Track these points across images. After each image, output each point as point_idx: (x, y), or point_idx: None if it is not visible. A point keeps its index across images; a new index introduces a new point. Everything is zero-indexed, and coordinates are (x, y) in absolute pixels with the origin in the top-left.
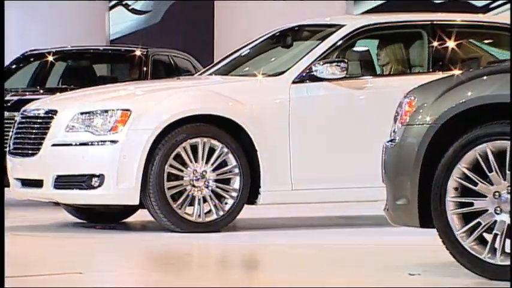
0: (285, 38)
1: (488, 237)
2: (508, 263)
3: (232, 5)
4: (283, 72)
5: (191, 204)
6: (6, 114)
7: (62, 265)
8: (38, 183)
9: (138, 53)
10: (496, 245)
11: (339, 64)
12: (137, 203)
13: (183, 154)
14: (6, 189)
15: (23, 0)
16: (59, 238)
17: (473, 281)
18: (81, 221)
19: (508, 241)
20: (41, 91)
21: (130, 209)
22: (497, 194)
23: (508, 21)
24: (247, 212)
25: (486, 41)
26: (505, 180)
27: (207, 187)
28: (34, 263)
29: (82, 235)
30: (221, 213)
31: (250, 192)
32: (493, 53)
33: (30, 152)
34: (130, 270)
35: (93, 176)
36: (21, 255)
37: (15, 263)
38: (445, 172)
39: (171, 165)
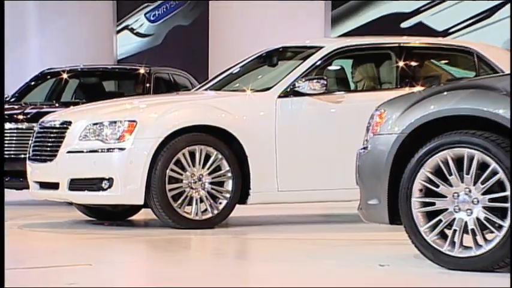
0: (271, 58)
1: (448, 232)
2: (465, 255)
3: (224, 29)
4: (269, 88)
5: (189, 203)
6: (26, 125)
7: (74, 257)
8: (54, 186)
9: (142, 71)
10: (455, 240)
11: (319, 81)
12: (142, 202)
13: (183, 160)
14: (25, 190)
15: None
16: (72, 234)
17: (435, 271)
18: (92, 218)
19: (465, 236)
20: (57, 105)
21: (135, 208)
22: (456, 194)
23: (464, 44)
24: (239, 211)
25: (445, 61)
26: (462, 182)
27: (203, 189)
28: (49, 256)
29: (92, 231)
30: (216, 211)
31: (241, 193)
32: (451, 71)
33: (47, 158)
34: (135, 261)
35: (103, 179)
36: (37, 249)
37: (32, 256)
38: (411, 175)
39: (171, 170)
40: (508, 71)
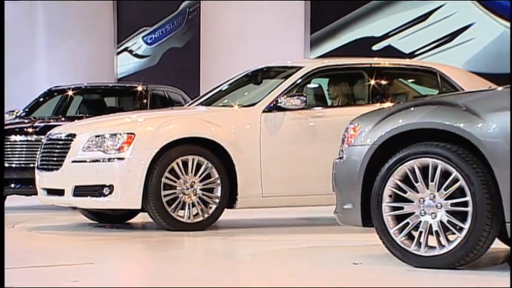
0: (256, 77)
1: (415, 234)
2: (430, 254)
3: (214, 51)
4: (255, 104)
5: (182, 208)
6: (35, 137)
7: (78, 257)
8: (60, 192)
9: (139, 88)
10: (421, 240)
11: (299, 97)
12: (139, 207)
13: (176, 168)
14: (34, 196)
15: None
16: (76, 235)
17: (403, 269)
18: (94, 221)
19: (430, 237)
20: (63, 119)
21: (134, 212)
22: (422, 199)
23: (428, 65)
24: (227, 215)
25: (411, 80)
26: (427, 189)
27: (195, 195)
28: (55, 255)
29: (94, 233)
30: (206, 215)
31: (229, 199)
32: (417, 89)
33: (54, 167)
34: (133, 260)
35: (105, 186)
36: (44, 249)
37: (40, 255)
38: (381, 183)
39: (166, 177)
40: (466, 89)
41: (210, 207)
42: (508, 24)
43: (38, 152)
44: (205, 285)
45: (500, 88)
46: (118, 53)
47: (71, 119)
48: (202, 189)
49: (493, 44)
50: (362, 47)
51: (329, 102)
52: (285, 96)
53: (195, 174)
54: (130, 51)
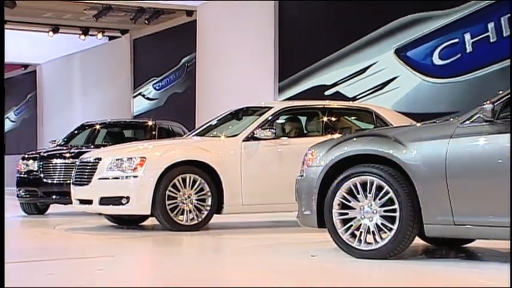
0: (237, 114)
1: (357, 233)
2: (368, 248)
3: (206, 94)
4: (237, 135)
5: (182, 214)
6: (71, 160)
7: (102, 251)
8: (89, 202)
9: (149, 123)
10: (361, 238)
11: (270, 130)
12: (149, 213)
13: (177, 184)
14: (69, 205)
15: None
16: (100, 235)
17: (348, 259)
18: (114, 224)
19: (368, 235)
20: (92, 146)
21: (145, 217)
22: (362, 207)
23: (366, 106)
24: (216, 219)
25: (354, 117)
26: (366, 199)
27: (191, 203)
28: (84, 250)
29: (115, 232)
30: (200, 219)
31: (218, 207)
32: (358, 124)
33: (85, 183)
34: (144, 253)
35: (123, 197)
36: (77, 244)
37: (73, 250)
38: (332, 194)
39: (169, 190)
40: (394, 125)
41: (203, 213)
42: (422, 76)
43: (73, 172)
44: (199, 271)
45: (418, 124)
46: (134, 97)
47: (98, 146)
48: (197, 200)
49: (412, 91)
50: (317, 92)
51: (293, 134)
52: (260, 129)
53: (191, 188)
54: (143, 95)
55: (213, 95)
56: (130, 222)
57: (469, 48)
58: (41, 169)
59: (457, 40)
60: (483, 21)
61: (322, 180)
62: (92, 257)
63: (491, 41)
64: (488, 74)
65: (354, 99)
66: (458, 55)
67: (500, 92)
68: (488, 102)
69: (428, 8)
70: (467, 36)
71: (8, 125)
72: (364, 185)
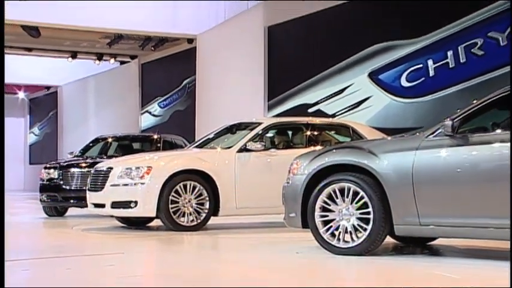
0: (232, 129)
1: (336, 233)
2: (346, 246)
3: (205, 112)
4: (231, 147)
5: (183, 216)
6: (87, 169)
7: (113, 248)
8: (102, 206)
9: (155, 137)
10: (340, 237)
11: (260, 143)
12: (154, 215)
13: (179, 190)
14: (85, 208)
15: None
16: (112, 234)
17: (328, 256)
18: (124, 225)
19: (346, 235)
20: (104, 157)
21: (151, 219)
22: (340, 210)
23: (344, 122)
24: (213, 220)
25: (333, 132)
26: (344, 203)
27: (191, 207)
28: (98, 247)
29: (124, 232)
30: (199, 221)
31: (214, 209)
32: (337, 138)
33: (98, 189)
34: (150, 250)
35: (132, 201)
36: (91, 243)
37: (88, 247)
38: (314, 199)
39: (172, 196)
40: (368, 138)
41: (202, 215)
42: (392, 96)
43: (88, 179)
44: (198, 266)
45: (389, 138)
46: (141, 114)
47: (110, 157)
48: (196, 203)
49: (383, 109)
50: (301, 109)
51: (280, 146)
52: (251, 142)
53: (191, 194)
54: (150, 112)
55: (210, 112)
56: (138, 224)
57: (431, 73)
58: (61, 177)
59: (421, 65)
60: (443, 49)
61: (305, 187)
62: (104, 253)
63: (451, 66)
64: (448, 95)
65: (333, 116)
66: (423, 78)
67: (458, 110)
68: (448, 119)
69: (397, 37)
70: (430, 62)
71: (32, 138)
72: (342, 190)
